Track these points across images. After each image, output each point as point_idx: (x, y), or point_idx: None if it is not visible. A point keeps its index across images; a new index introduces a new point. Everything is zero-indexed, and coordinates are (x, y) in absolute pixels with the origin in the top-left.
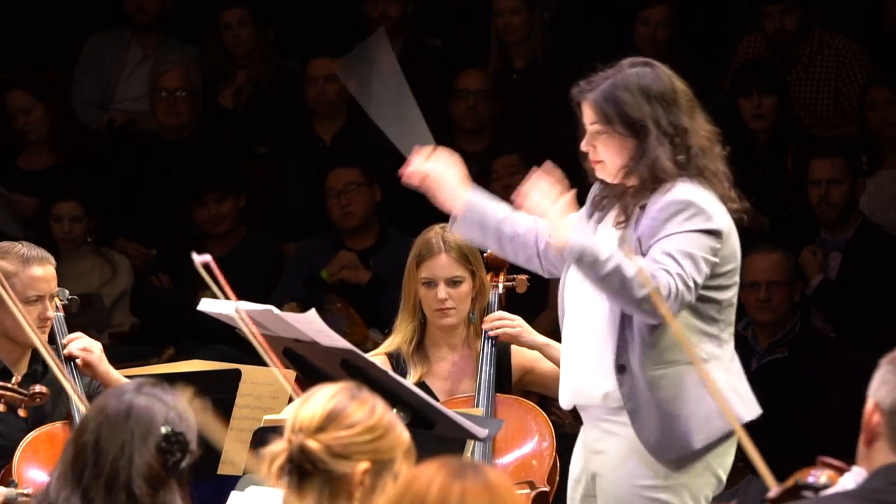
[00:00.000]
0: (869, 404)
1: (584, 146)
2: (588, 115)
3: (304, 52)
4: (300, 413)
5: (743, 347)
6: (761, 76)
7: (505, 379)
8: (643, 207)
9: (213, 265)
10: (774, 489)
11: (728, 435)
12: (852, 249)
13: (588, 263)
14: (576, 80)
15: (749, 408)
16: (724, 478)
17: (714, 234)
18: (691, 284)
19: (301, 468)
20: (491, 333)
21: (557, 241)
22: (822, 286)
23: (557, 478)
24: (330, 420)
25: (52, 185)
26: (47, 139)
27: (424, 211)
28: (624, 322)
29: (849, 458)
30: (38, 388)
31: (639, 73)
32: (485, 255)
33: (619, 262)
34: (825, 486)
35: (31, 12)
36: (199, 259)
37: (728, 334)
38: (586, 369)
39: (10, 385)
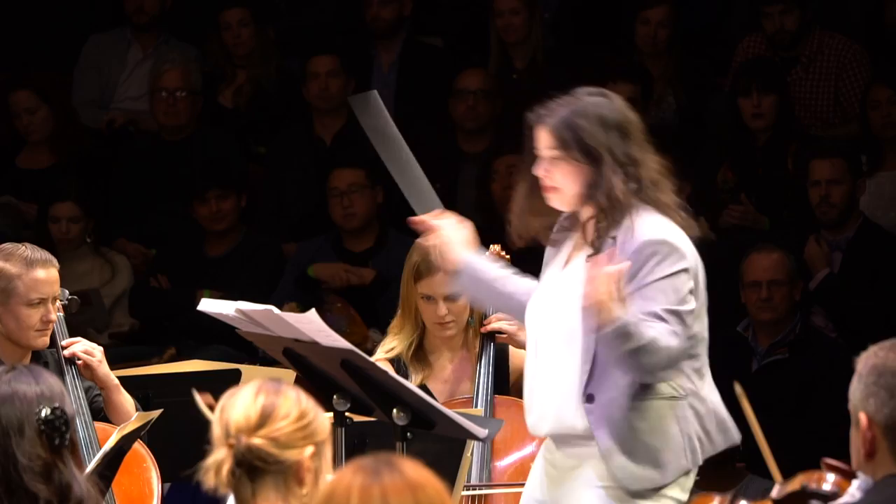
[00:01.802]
0: (862, 420)
1: (538, 171)
2: (544, 140)
3: (304, 52)
4: (231, 417)
5: (743, 348)
6: (761, 75)
7: (503, 380)
8: (614, 238)
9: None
10: (777, 489)
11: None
12: (853, 249)
13: (626, 337)
14: (576, 80)
15: (731, 434)
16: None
17: (688, 272)
18: (684, 343)
19: (251, 467)
20: (486, 329)
21: (607, 319)
22: (826, 281)
23: None
24: (265, 415)
25: (49, 185)
26: (48, 139)
27: None
28: (589, 349)
29: (849, 459)
30: None
31: (596, 103)
32: (486, 255)
33: (655, 335)
34: (833, 495)
35: (32, 13)
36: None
37: (706, 367)
38: (566, 400)
39: None
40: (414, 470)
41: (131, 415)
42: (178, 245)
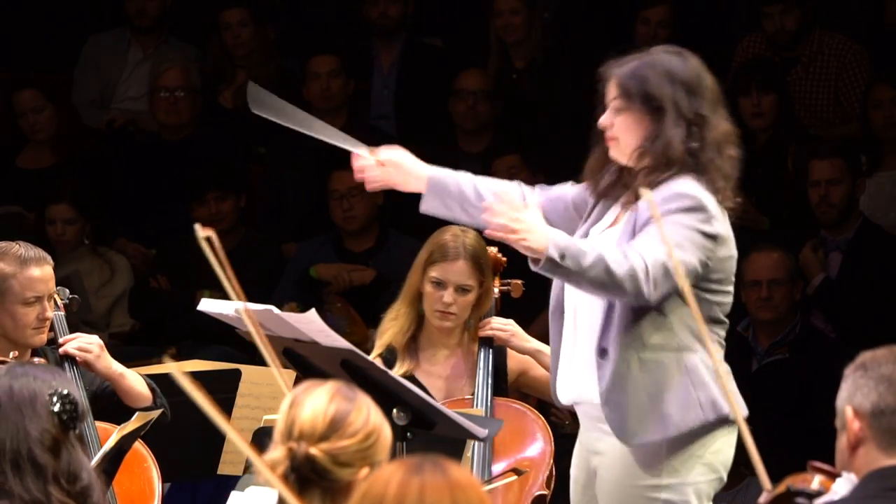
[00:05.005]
0: (848, 413)
1: (602, 121)
2: (611, 91)
3: (304, 52)
4: (299, 419)
5: (743, 348)
6: (761, 75)
7: (502, 380)
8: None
9: (216, 240)
10: (765, 495)
11: (719, 427)
12: (852, 249)
13: (572, 258)
14: (576, 80)
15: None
16: (725, 475)
17: (711, 237)
18: (669, 266)
19: (303, 476)
20: (482, 333)
21: (538, 247)
22: (823, 285)
23: (553, 482)
24: (333, 429)
25: (44, 188)
26: (51, 139)
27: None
28: (609, 307)
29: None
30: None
31: (667, 59)
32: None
33: (600, 252)
34: (818, 493)
35: (32, 13)
36: (202, 233)
37: (721, 339)
38: (583, 364)
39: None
40: (459, 472)
41: (144, 394)
42: (178, 245)
